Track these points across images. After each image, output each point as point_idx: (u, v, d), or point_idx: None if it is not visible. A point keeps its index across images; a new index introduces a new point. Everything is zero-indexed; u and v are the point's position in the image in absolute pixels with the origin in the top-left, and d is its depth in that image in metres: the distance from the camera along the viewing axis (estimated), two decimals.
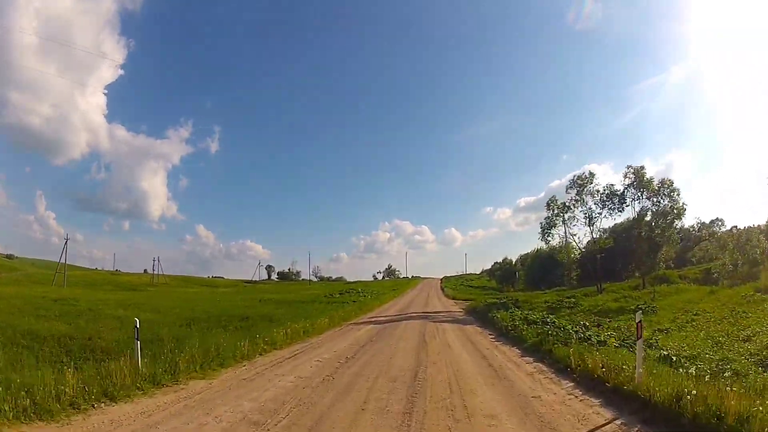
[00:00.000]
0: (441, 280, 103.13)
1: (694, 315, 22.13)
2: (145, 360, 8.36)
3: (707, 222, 67.99)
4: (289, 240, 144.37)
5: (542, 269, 60.58)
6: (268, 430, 5.72)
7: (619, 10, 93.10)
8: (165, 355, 8.88)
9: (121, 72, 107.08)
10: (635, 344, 7.67)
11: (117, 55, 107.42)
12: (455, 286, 76.32)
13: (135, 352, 8.18)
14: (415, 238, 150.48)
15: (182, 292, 54.68)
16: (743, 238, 39.92)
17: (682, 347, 13.40)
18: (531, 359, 11.09)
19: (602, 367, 7.64)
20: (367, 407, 6.69)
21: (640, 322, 7.13)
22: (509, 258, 77.67)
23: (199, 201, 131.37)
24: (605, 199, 37.44)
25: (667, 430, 5.36)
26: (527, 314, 19.71)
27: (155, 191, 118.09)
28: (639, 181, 38.21)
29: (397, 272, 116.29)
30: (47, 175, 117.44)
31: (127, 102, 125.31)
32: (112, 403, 6.59)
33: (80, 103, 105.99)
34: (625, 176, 37.89)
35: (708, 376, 7.22)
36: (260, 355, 11.73)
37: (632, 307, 26.90)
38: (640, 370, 6.69)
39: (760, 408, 4.77)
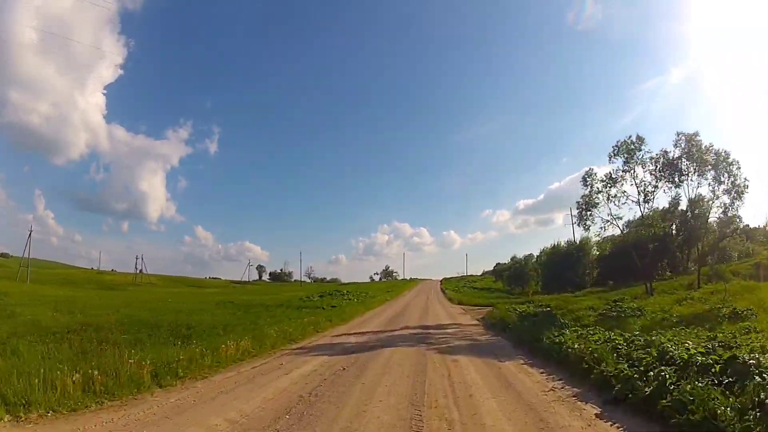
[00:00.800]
0: (440, 281, 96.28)
1: None
2: None
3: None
4: (287, 242, 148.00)
5: (561, 267, 51.46)
6: None
7: (619, 10, 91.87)
8: None
9: (120, 72, 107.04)
10: None
11: (117, 54, 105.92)
12: (457, 287, 67.21)
13: None
14: (414, 240, 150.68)
15: (156, 292, 48.10)
16: None
17: None
18: None
19: None
20: None
21: None
22: (518, 256, 68.68)
23: (198, 202, 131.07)
24: (662, 169, 28.01)
25: None
26: (609, 336, 10.56)
27: (154, 192, 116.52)
28: (695, 150, 28.68)
29: (395, 274, 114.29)
30: (46, 174, 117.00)
31: (127, 102, 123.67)
32: None
33: (80, 103, 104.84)
34: (676, 145, 28.53)
35: None
36: None
37: (720, 313, 17.74)
38: None
39: None
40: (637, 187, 28.02)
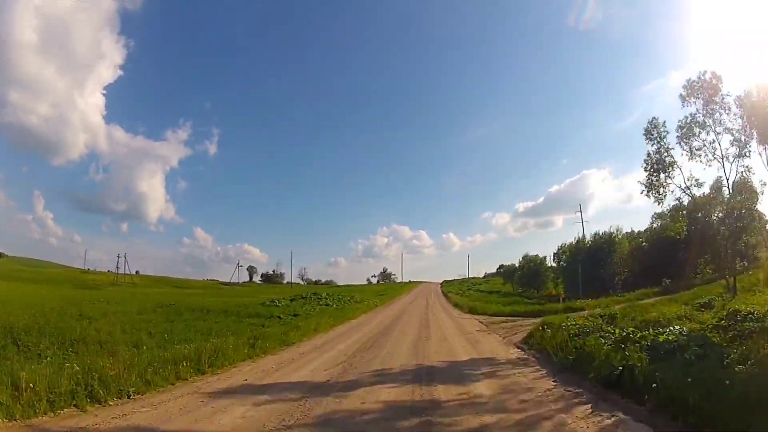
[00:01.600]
0: (441, 284, 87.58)
1: None
2: None
3: None
4: (287, 244, 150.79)
5: (588, 266, 42.26)
6: None
7: (619, 12, 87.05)
8: None
9: (120, 72, 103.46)
10: None
11: (116, 55, 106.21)
12: (462, 290, 57.96)
13: None
14: (413, 242, 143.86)
15: (121, 292, 43.65)
16: None
17: None
18: None
19: None
20: None
21: None
22: (533, 254, 59.37)
23: (197, 203, 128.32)
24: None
25: None
26: None
27: (153, 193, 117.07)
28: None
29: (393, 276, 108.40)
30: (45, 175, 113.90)
31: (126, 103, 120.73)
32: None
33: (79, 104, 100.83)
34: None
35: None
36: None
37: None
38: None
39: None
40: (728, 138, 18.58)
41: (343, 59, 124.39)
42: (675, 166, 19.86)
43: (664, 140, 20.29)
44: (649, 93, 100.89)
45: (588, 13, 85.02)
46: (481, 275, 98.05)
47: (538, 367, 9.27)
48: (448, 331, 16.84)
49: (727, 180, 19.61)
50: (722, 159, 19.55)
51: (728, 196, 20.10)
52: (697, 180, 19.94)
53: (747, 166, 19.50)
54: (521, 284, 57.81)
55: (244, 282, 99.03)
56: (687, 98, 19.68)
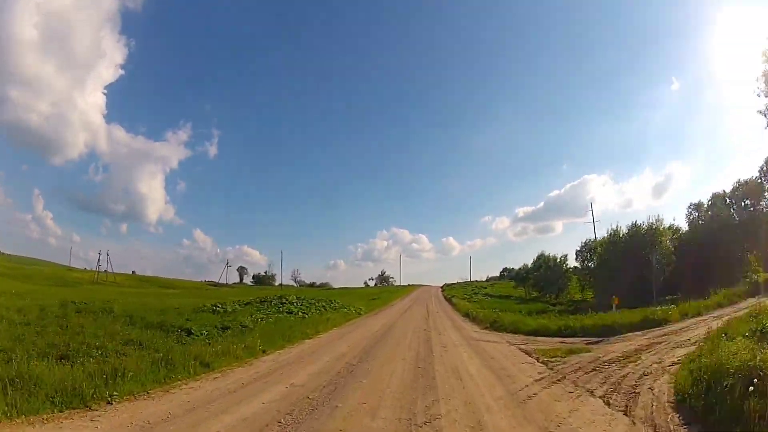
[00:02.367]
0: (441, 288, 79.11)
1: None
2: None
3: None
4: (286, 246, 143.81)
5: (626, 264, 33.56)
6: None
7: (622, 16, 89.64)
8: None
9: (121, 72, 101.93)
10: None
11: (117, 54, 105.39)
12: (467, 294, 49.09)
13: None
14: (413, 246, 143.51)
15: (94, 291, 38.72)
16: None
17: None
18: None
19: None
20: None
21: None
22: (550, 254, 50.61)
23: (196, 205, 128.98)
24: None
25: None
26: None
27: (153, 194, 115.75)
28: None
29: (391, 279, 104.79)
30: (45, 174, 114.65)
31: (127, 103, 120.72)
32: None
33: (79, 103, 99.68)
34: None
35: None
36: None
37: None
38: None
39: None
40: None
41: (346, 62, 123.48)
42: None
43: None
44: (651, 99, 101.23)
45: (590, 16, 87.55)
46: (484, 279, 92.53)
47: None
48: (477, 383, 8.00)
49: None
50: None
51: None
52: None
53: None
54: (537, 288, 49.03)
55: (234, 283, 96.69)
56: None
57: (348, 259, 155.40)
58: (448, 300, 44.89)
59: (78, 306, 18.38)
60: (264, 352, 11.95)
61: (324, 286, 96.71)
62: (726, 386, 5.13)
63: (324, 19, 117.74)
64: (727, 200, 39.88)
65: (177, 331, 13.79)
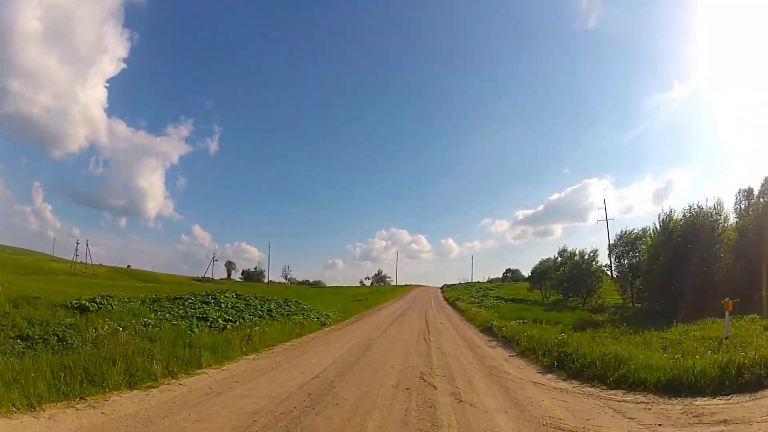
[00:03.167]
0: (441, 289, 71.28)
1: None
2: None
3: None
4: (285, 244, 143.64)
5: (685, 261, 24.58)
6: None
7: (624, 22, 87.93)
8: None
9: (123, 66, 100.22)
10: None
11: (120, 48, 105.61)
12: (475, 298, 39.94)
13: None
14: (412, 247, 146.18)
15: (56, 282, 33.55)
16: None
17: None
18: None
19: None
20: None
21: None
22: (576, 249, 41.63)
23: (196, 201, 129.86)
24: None
25: None
26: None
27: (153, 189, 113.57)
28: None
29: (387, 279, 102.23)
30: (45, 167, 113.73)
31: (128, 97, 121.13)
32: None
33: (80, 96, 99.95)
34: None
35: None
36: None
37: None
38: None
39: None
40: None
41: (349, 62, 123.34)
42: None
43: None
44: (653, 105, 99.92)
45: (591, 24, 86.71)
46: (485, 280, 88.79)
47: None
48: None
49: None
50: None
51: None
52: None
53: None
54: (561, 290, 40.09)
55: (222, 279, 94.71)
56: None
57: (347, 258, 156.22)
58: (452, 303, 35.87)
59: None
60: None
61: (317, 285, 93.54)
62: None
63: (328, 18, 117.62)
64: None
65: None
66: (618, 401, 6.56)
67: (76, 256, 66.64)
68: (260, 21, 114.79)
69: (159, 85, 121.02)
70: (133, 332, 10.34)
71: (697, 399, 6.37)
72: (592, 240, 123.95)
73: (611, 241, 39.34)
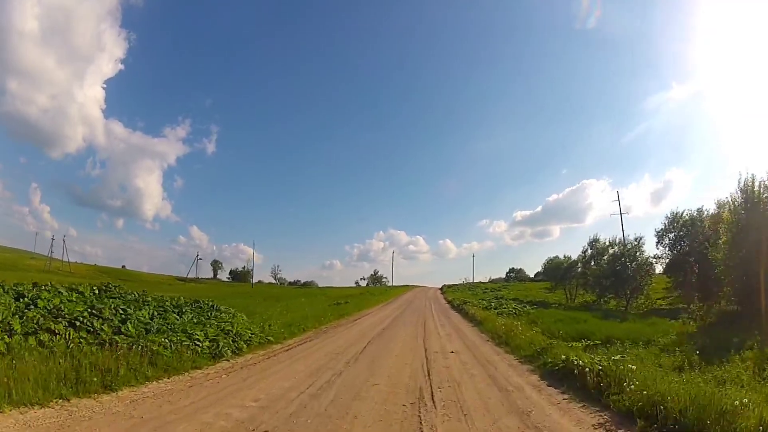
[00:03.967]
0: (442, 290, 63.72)
1: None
2: None
3: None
4: (283, 245, 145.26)
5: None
6: None
7: (623, 23, 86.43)
8: None
9: (121, 67, 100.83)
10: None
11: (117, 48, 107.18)
12: (484, 301, 31.18)
13: None
14: (410, 248, 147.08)
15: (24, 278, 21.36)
16: None
17: None
18: None
19: None
20: None
21: None
22: (615, 237, 32.94)
23: (193, 202, 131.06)
24: None
25: None
26: None
27: (150, 190, 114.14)
28: None
29: (384, 279, 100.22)
30: (43, 167, 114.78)
31: (126, 97, 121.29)
32: None
33: (78, 96, 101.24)
34: None
35: None
36: None
37: None
38: None
39: None
40: None
41: (347, 62, 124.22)
42: None
43: None
44: (651, 105, 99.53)
45: (592, 23, 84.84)
46: (487, 280, 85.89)
47: None
48: None
49: None
50: None
51: None
52: None
53: None
54: (599, 288, 31.51)
55: (207, 279, 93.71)
56: None
57: (344, 259, 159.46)
58: (458, 309, 27.08)
59: None
60: None
61: (308, 285, 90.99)
62: None
63: (326, 18, 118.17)
64: None
65: None
66: None
67: (51, 252, 64.71)
68: (257, 22, 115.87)
69: (156, 85, 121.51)
70: None
71: None
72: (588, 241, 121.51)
73: (661, 226, 30.69)
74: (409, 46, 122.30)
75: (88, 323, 8.23)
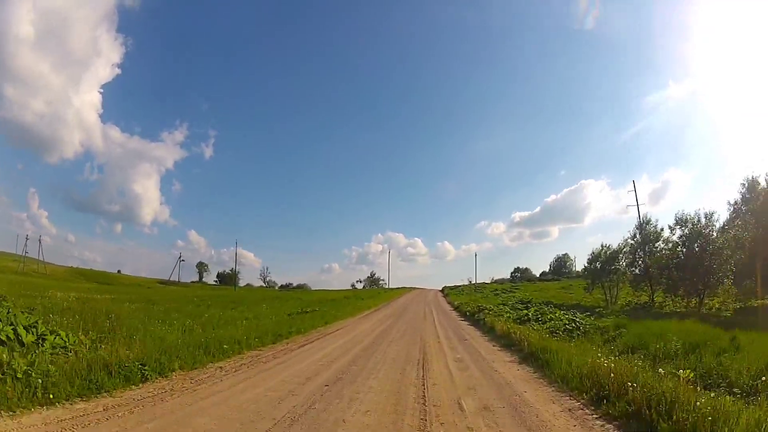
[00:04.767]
0: (443, 292, 57.29)
1: None
2: None
3: None
4: (282, 249, 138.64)
5: None
6: None
7: (620, 23, 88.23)
8: None
9: (117, 71, 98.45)
10: None
11: (114, 53, 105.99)
12: (509, 306, 22.72)
13: None
14: (408, 250, 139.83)
15: None
16: None
17: None
18: None
19: None
20: None
21: None
22: (683, 213, 24.28)
23: (191, 207, 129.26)
24: None
25: None
26: None
27: (148, 195, 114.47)
28: None
29: (381, 281, 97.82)
30: (40, 173, 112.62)
31: (123, 102, 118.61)
32: None
33: (75, 101, 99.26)
34: None
35: None
36: None
37: None
38: None
39: None
40: None
41: (345, 64, 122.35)
42: None
43: None
44: (649, 104, 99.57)
45: (589, 25, 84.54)
46: (490, 281, 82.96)
47: None
48: None
49: None
50: None
51: None
52: None
53: None
54: (668, 283, 23.06)
55: (192, 282, 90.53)
56: None
57: (343, 262, 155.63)
58: (474, 320, 18.48)
59: None
60: None
61: (302, 288, 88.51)
62: None
63: (324, 18, 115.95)
64: None
65: None
66: None
67: (26, 252, 62.33)
68: (253, 23, 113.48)
69: (153, 89, 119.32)
70: None
71: None
72: (590, 241, 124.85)
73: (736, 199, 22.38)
74: (406, 49, 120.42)
75: None
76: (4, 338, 6.35)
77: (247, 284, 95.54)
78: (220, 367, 7.76)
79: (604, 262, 28.85)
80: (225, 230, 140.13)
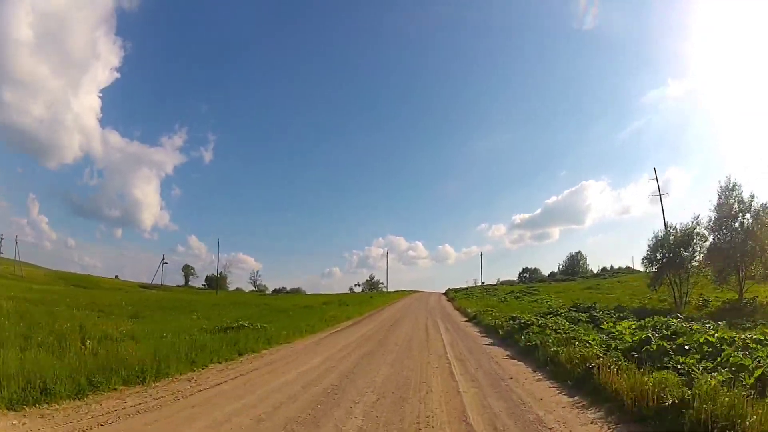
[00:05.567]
0: (446, 295, 50.51)
1: None
2: None
3: None
4: (283, 253, 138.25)
5: None
6: None
7: (618, 21, 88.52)
8: None
9: (116, 75, 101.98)
10: None
11: (113, 57, 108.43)
12: (564, 315, 14.64)
13: None
14: (409, 253, 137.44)
15: None
16: None
17: None
18: None
19: None
20: None
21: None
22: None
23: (191, 211, 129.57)
24: None
25: None
26: None
27: (148, 200, 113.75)
28: None
29: (381, 285, 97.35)
30: (39, 177, 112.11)
31: (122, 106, 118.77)
32: None
33: (74, 106, 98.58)
34: None
35: None
36: None
37: None
38: None
39: None
40: None
41: (344, 67, 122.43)
42: None
43: None
44: (648, 103, 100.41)
45: (588, 24, 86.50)
46: (497, 282, 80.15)
47: None
48: None
49: None
50: None
51: None
52: None
53: None
54: None
55: (178, 285, 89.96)
56: None
57: (344, 266, 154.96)
58: (522, 347, 10.16)
59: None
60: None
61: (296, 291, 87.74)
62: None
63: (323, 20, 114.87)
64: None
65: None
66: None
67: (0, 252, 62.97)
68: (253, 25, 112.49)
69: (152, 93, 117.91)
70: None
71: None
72: (590, 242, 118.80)
73: None
74: (405, 50, 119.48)
75: None
76: None
77: (237, 288, 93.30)
78: None
79: (673, 247, 20.73)
80: (225, 235, 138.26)
